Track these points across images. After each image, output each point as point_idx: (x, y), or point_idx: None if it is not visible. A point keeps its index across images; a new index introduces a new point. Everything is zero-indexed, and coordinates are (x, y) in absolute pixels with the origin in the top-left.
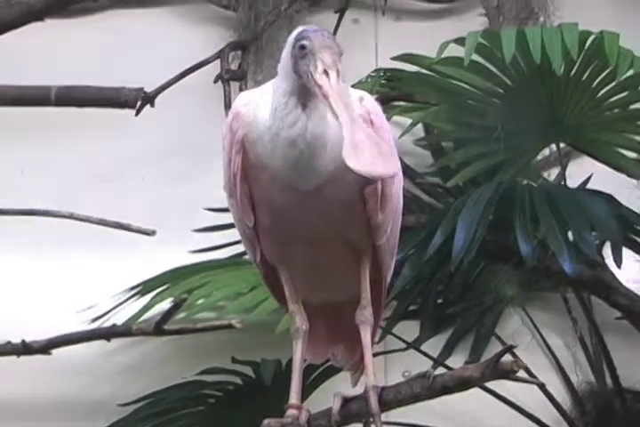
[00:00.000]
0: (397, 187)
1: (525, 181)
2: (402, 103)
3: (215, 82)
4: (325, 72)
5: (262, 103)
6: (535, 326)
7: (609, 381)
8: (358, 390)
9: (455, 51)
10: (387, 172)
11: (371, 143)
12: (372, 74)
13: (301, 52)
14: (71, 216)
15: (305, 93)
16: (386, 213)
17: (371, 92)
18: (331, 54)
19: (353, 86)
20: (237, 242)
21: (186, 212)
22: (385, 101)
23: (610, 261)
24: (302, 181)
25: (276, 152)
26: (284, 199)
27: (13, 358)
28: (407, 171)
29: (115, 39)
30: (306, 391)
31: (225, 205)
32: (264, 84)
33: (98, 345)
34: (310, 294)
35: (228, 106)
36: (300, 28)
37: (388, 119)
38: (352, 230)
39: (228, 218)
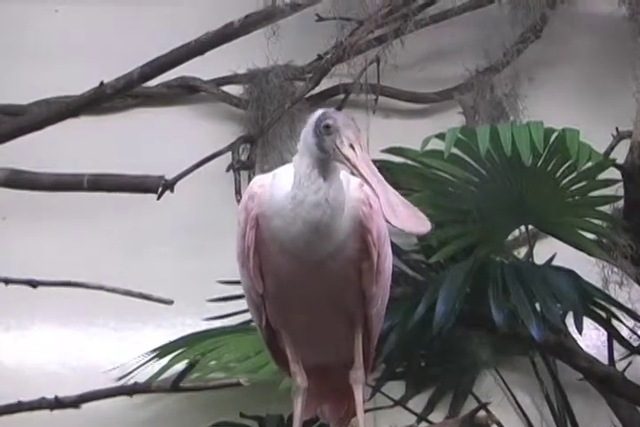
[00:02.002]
0: (388, 263)
1: (498, 259)
2: None
3: (227, 171)
4: (351, 146)
5: (276, 185)
6: (506, 386)
7: None
8: None
9: (437, 145)
10: (423, 229)
11: (404, 204)
12: None
13: (327, 130)
14: (101, 288)
15: (325, 167)
16: (379, 286)
17: None
18: (354, 131)
19: None
20: (245, 311)
21: (201, 284)
22: None
23: (572, 329)
24: (313, 249)
25: (298, 219)
26: (291, 270)
27: (47, 411)
28: (395, 249)
29: (139, 133)
30: None
31: (235, 278)
32: (271, 171)
33: (122, 400)
34: (306, 356)
35: (238, 191)
36: (320, 111)
37: None
38: (348, 300)
39: (237, 290)
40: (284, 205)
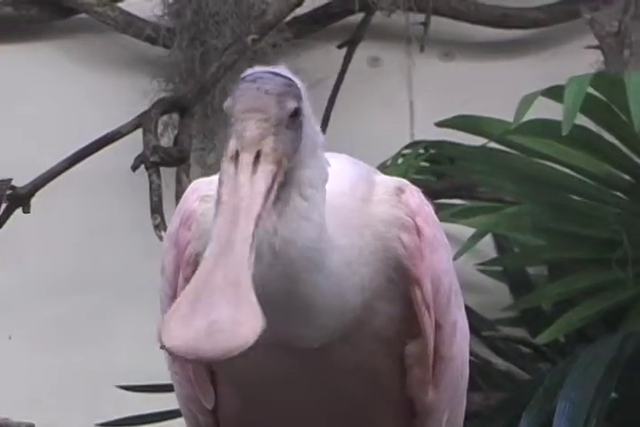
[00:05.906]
0: (461, 345)
1: None
2: (456, 201)
3: (134, 169)
4: (235, 157)
5: None
6: None
7: None
8: None
9: (546, 109)
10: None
11: (231, 293)
12: (405, 151)
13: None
14: None
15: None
16: (441, 389)
17: None
18: (256, 123)
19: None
20: None
21: (84, 390)
22: (428, 197)
23: None
24: (294, 329)
25: (269, 271)
26: (268, 366)
27: None
28: (472, 317)
29: None
30: None
31: (155, 380)
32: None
33: None
34: None
35: (157, 208)
36: (247, 72)
37: None
38: (381, 419)
39: (161, 402)
40: None
